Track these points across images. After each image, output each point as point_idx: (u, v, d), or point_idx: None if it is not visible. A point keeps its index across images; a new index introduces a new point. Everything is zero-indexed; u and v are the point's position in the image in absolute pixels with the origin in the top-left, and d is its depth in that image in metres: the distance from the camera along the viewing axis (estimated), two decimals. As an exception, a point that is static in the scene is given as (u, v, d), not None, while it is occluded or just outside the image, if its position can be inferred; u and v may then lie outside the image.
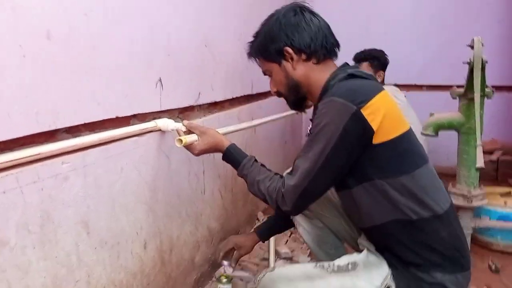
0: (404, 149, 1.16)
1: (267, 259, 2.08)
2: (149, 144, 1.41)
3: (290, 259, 2.20)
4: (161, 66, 1.46)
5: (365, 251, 1.27)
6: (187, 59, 1.65)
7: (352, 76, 1.20)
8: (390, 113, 1.14)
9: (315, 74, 1.28)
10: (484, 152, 3.49)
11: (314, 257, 1.94)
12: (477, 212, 2.31)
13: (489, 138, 3.66)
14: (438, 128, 2.21)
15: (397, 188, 1.14)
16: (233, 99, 2.17)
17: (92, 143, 1.12)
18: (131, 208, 1.33)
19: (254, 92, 2.50)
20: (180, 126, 1.42)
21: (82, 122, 1.10)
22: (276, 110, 3.02)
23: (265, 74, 1.39)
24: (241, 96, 2.30)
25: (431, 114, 2.23)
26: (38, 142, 0.99)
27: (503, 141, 3.66)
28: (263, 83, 2.65)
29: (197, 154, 1.41)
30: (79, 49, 1.08)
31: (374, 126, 1.10)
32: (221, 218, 2.07)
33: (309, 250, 2.20)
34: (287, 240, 2.41)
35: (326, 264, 1.26)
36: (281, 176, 1.26)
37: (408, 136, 1.18)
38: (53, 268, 1.02)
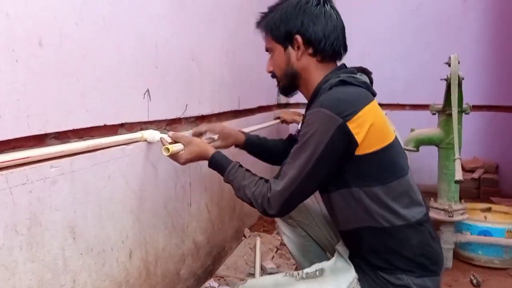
0: (384, 161, 1.18)
1: (253, 274, 2.09)
2: (136, 153, 1.43)
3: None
4: (149, 77, 1.50)
5: (333, 258, 1.32)
6: (175, 72, 1.69)
7: (343, 82, 1.20)
8: (376, 125, 1.15)
9: (315, 72, 1.28)
10: (466, 171, 3.62)
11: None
12: (459, 227, 2.36)
13: (470, 157, 3.76)
14: (419, 143, 2.28)
15: (371, 196, 1.17)
16: (220, 113, 2.21)
17: (80, 149, 1.15)
18: (118, 216, 1.34)
19: (241, 108, 2.55)
20: (165, 136, 1.45)
21: (71, 128, 1.13)
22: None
23: (266, 50, 1.37)
24: (228, 111, 2.34)
25: (412, 130, 2.31)
26: (27, 146, 1.01)
27: (484, 159, 3.75)
28: (250, 100, 2.71)
29: (183, 163, 1.44)
30: (70, 57, 1.11)
31: (358, 139, 1.12)
32: (207, 231, 2.08)
33: (295, 266, 2.21)
34: (273, 256, 2.41)
35: (295, 272, 1.29)
36: (266, 181, 1.28)
37: (390, 148, 1.19)
38: (39, 271, 1.02)
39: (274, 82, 1.40)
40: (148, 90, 1.49)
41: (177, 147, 1.40)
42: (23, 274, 0.97)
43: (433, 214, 2.28)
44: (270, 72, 1.37)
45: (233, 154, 2.30)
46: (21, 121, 0.96)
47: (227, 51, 2.26)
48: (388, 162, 1.19)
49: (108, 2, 1.26)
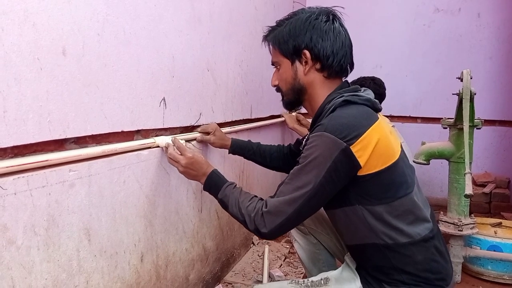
0: (387, 181, 1.17)
1: (261, 282, 2.11)
2: (151, 159, 1.47)
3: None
4: (165, 86, 1.55)
5: (340, 268, 1.33)
6: (190, 81, 1.74)
7: (347, 102, 1.19)
8: (380, 145, 1.14)
9: (320, 88, 1.28)
10: (477, 185, 3.60)
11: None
12: (468, 241, 2.35)
13: (482, 171, 3.74)
14: (429, 156, 2.29)
15: (374, 215, 1.17)
16: (232, 122, 2.24)
17: (96, 154, 1.19)
18: (131, 220, 1.38)
19: (253, 116, 2.58)
20: (170, 141, 1.50)
21: (90, 134, 1.17)
22: (274, 134, 3.11)
23: (272, 64, 1.37)
24: (240, 120, 2.38)
25: (423, 143, 2.31)
26: (48, 149, 1.05)
27: (495, 174, 3.73)
28: (262, 109, 2.75)
29: (183, 170, 1.42)
30: (91, 66, 1.15)
31: (361, 162, 1.11)
32: (216, 238, 2.11)
33: (302, 274, 2.22)
34: (281, 264, 2.43)
35: (301, 280, 1.30)
36: (262, 199, 1.26)
37: (394, 167, 1.17)
38: (55, 271, 1.06)
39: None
40: (164, 99, 1.53)
41: (161, 138, 1.49)
42: (39, 274, 1.01)
43: (442, 228, 2.28)
44: (275, 86, 1.37)
45: (243, 163, 2.35)
46: (43, 126, 1.01)
47: (241, 62, 2.30)
48: (391, 182, 1.18)
49: (129, 17, 1.31)
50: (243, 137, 2.33)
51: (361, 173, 1.14)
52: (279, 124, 3.19)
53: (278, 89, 1.38)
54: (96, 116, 1.19)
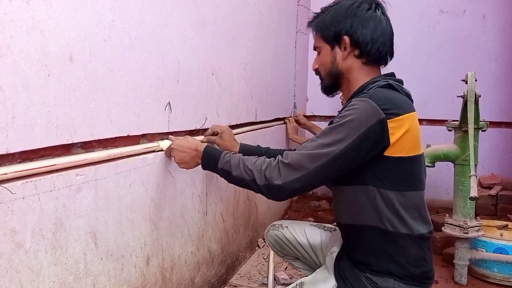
0: (408, 170, 1.20)
1: (266, 284, 2.11)
2: (156, 163, 1.49)
3: (288, 285, 2.22)
4: (170, 90, 1.56)
5: (314, 272, 1.36)
6: (195, 85, 1.75)
7: (391, 86, 1.23)
8: (411, 133, 1.18)
9: (358, 73, 1.30)
10: (483, 187, 3.59)
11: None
12: (474, 244, 2.35)
13: (488, 173, 3.72)
14: (435, 159, 2.28)
15: (385, 199, 1.19)
16: (237, 125, 2.26)
17: (102, 158, 1.20)
18: (137, 223, 1.39)
19: (258, 119, 2.59)
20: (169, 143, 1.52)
21: (96, 138, 1.19)
22: (279, 137, 3.12)
23: (314, 49, 1.40)
24: (245, 123, 2.39)
25: (428, 145, 2.31)
26: (55, 154, 1.07)
27: (502, 176, 3.70)
28: (267, 112, 2.76)
29: (176, 157, 1.45)
30: (97, 71, 1.17)
31: (392, 139, 1.14)
32: (222, 241, 2.12)
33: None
34: (286, 267, 2.43)
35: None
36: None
37: (417, 159, 1.22)
38: (62, 274, 1.08)
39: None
40: (169, 103, 1.55)
41: (166, 142, 1.51)
42: (47, 277, 1.03)
43: (448, 230, 2.28)
44: (315, 69, 1.40)
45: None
46: (50, 131, 1.02)
47: (245, 65, 2.32)
48: (411, 172, 1.21)
49: (135, 22, 1.33)
50: (248, 140, 2.35)
51: (387, 153, 1.16)
52: (284, 127, 3.20)
53: (317, 73, 1.40)
54: (102, 121, 1.20)
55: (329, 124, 1.22)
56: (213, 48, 1.90)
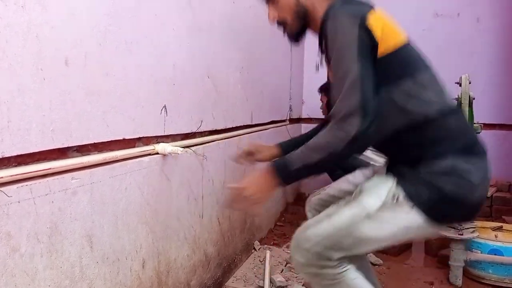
0: (406, 56, 1.23)
1: (262, 287, 2.12)
2: (152, 166, 1.49)
3: None
4: (166, 94, 1.56)
5: (370, 179, 1.32)
6: (191, 89, 1.76)
7: (345, 1, 1.25)
8: (387, 24, 1.22)
9: (319, 5, 1.32)
10: (478, 189, 3.59)
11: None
12: (469, 245, 2.36)
13: (483, 175, 3.73)
14: (430, 161, 2.29)
15: (402, 92, 1.20)
16: (233, 128, 2.26)
17: (97, 162, 1.20)
18: (133, 226, 1.39)
19: (254, 122, 2.60)
20: (176, 149, 1.51)
21: (92, 142, 1.19)
22: (275, 141, 3.11)
23: (266, 2, 1.41)
24: (241, 126, 2.39)
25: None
26: (51, 158, 1.07)
27: (496, 178, 3.72)
28: (263, 115, 2.77)
29: (251, 191, 1.31)
30: (93, 75, 1.17)
31: (376, 36, 1.17)
32: (218, 243, 2.12)
33: (303, 280, 2.23)
34: (282, 270, 2.44)
35: (342, 201, 1.29)
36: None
37: (408, 47, 1.25)
38: (58, 278, 1.08)
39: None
40: (165, 106, 1.55)
41: (161, 145, 1.51)
42: (42, 281, 1.03)
43: (443, 232, 2.29)
44: (275, 20, 1.39)
45: (244, 171, 2.36)
46: (46, 135, 1.02)
47: (241, 68, 2.32)
48: (410, 56, 1.24)
49: (130, 26, 1.33)
50: (243, 143, 2.35)
51: (380, 54, 1.18)
52: (279, 129, 3.20)
53: (280, 23, 1.40)
54: (98, 125, 1.21)
55: (328, 60, 1.24)
56: (209, 51, 1.91)
